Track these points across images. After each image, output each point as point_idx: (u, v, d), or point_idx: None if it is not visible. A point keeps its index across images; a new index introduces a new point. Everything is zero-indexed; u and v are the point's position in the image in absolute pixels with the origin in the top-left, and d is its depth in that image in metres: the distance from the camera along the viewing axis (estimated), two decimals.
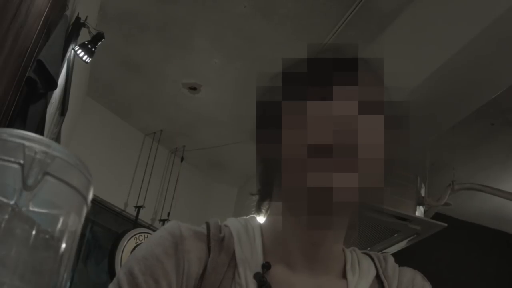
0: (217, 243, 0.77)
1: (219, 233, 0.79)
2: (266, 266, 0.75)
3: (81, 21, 2.90)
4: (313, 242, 0.76)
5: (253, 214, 0.86)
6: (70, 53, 2.85)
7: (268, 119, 0.76)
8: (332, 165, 0.67)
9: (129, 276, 0.72)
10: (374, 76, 0.74)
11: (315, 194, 0.68)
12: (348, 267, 0.79)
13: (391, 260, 0.84)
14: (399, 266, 0.84)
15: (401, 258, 0.88)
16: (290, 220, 0.76)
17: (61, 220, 0.39)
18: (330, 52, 0.76)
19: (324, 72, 0.73)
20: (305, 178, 0.68)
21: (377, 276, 0.80)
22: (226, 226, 0.82)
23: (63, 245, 0.39)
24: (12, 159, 0.37)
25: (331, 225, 0.76)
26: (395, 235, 3.28)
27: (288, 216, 0.76)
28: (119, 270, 0.75)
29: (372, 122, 0.69)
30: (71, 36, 2.80)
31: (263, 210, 0.84)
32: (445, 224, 3.16)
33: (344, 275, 0.79)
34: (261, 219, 0.85)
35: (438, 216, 3.42)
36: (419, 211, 3.23)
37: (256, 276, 0.73)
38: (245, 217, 0.85)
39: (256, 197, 0.85)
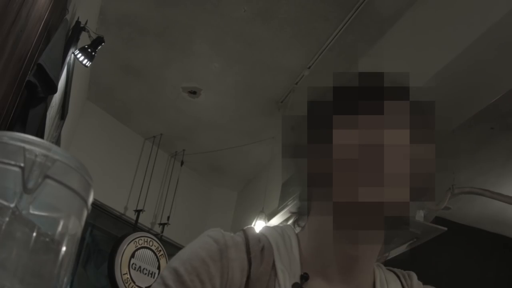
0: (257, 253, 0.78)
1: (258, 242, 0.80)
2: (305, 277, 0.76)
3: (81, 25, 2.90)
4: (353, 255, 0.76)
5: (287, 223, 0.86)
6: (70, 57, 2.85)
7: (318, 133, 0.76)
8: (383, 179, 0.68)
9: (175, 275, 0.72)
10: (421, 91, 0.74)
11: (366, 209, 0.68)
12: (378, 282, 0.80)
13: (415, 278, 0.85)
14: (418, 280, 0.85)
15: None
16: (332, 234, 0.76)
17: (61, 223, 0.39)
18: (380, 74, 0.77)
19: (376, 86, 0.73)
20: (356, 192, 0.69)
21: None
22: (263, 235, 0.83)
23: (63, 248, 0.39)
24: (13, 162, 0.37)
25: (376, 239, 0.76)
26: (395, 238, 3.27)
27: (335, 230, 0.76)
28: (163, 270, 0.75)
29: (423, 136, 0.70)
30: (71, 40, 2.80)
31: (300, 225, 0.85)
32: (445, 228, 3.15)
33: None
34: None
35: (438, 220, 3.41)
36: (419, 215, 3.22)
37: (295, 286, 0.75)
38: (280, 225, 0.86)
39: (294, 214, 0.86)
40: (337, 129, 0.73)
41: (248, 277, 0.75)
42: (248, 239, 0.80)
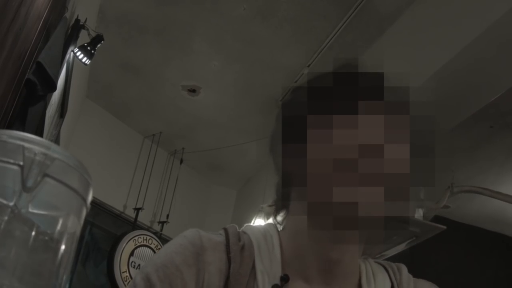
0: (237, 252, 0.77)
1: (238, 241, 0.79)
2: (285, 279, 0.75)
3: (81, 23, 2.90)
4: (333, 258, 0.75)
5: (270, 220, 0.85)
6: (69, 55, 2.85)
7: (293, 133, 0.75)
8: (357, 180, 0.67)
9: (147, 282, 0.72)
10: (399, 91, 0.73)
11: (340, 209, 0.68)
12: (364, 279, 0.79)
13: (405, 271, 0.83)
14: (408, 273, 0.83)
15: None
16: (311, 234, 0.75)
17: (60, 221, 0.39)
18: (355, 66, 0.76)
19: (350, 86, 0.72)
20: (330, 192, 0.68)
21: None
22: (245, 233, 0.82)
23: (62, 247, 0.39)
24: (12, 161, 0.37)
25: (355, 239, 0.75)
26: (394, 237, 3.27)
27: (310, 230, 0.75)
28: (136, 274, 0.74)
29: (398, 136, 0.69)
30: (70, 38, 2.80)
31: (279, 221, 0.84)
32: (444, 227, 3.15)
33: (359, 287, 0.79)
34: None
35: (437, 219, 3.41)
36: (418, 214, 3.22)
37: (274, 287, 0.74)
38: (263, 224, 0.85)
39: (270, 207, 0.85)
40: (312, 129, 0.73)
41: (227, 278, 0.74)
42: (229, 238, 0.79)
